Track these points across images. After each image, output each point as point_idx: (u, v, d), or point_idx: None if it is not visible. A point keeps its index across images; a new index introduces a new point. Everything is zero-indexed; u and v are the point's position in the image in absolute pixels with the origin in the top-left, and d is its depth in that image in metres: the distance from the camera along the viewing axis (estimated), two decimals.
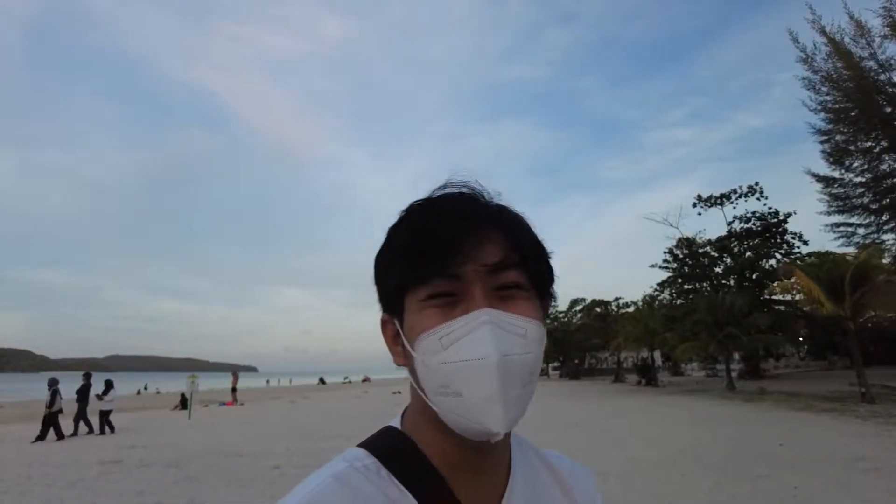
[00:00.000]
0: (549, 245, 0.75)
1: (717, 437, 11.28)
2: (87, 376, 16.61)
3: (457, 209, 0.69)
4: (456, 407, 0.62)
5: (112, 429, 15.72)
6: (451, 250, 0.65)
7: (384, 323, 0.74)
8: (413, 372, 0.68)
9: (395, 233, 0.71)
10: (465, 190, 0.72)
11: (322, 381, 79.54)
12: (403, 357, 0.70)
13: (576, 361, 59.82)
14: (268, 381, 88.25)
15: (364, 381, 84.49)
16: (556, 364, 67.35)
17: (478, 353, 0.61)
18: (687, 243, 39.22)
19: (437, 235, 0.66)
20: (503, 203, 0.74)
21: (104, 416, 15.80)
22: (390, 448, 0.71)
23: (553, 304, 0.80)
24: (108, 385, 16.56)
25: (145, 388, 59.70)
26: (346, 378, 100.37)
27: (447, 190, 0.72)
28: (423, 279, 0.66)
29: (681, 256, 40.11)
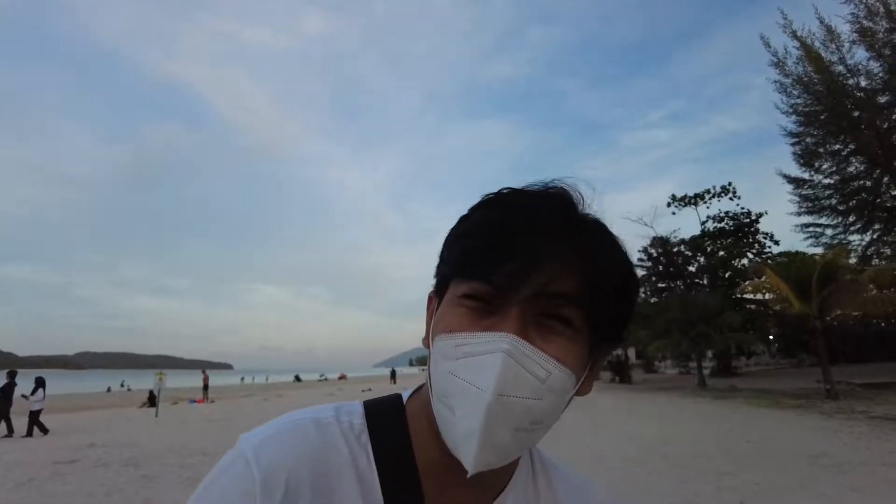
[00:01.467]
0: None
1: (685, 434, 11.36)
2: (12, 374, 15.74)
3: (534, 212, 0.60)
4: (447, 421, 0.59)
5: (44, 430, 14.87)
6: (504, 259, 0.57)
7: (430, 299, 0.70)
8: (429, 362, 0.64)
9: (467, 216, 0.65)
10: (558, 193, 0.63)
11: (297, 378, 79.09)
12: (429, 342, 0.65)
13: None
14: (242, 379, 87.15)
15: (340, 378, 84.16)
16: None
17: (478, 381, 0.55)
18: (661, 242, 39.72)
19: (496, 236, 0.59)
20: (602, 221, 0.64)
21: (34, 416, 14.97)
22: (385, 420, 0.68)
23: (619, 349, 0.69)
24: (38, 384, 15.57)
25: (121, 386, 58.51)
26: (322, 376, 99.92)
27: (537, 188, 0.65)
28: (465, 276, 0.60)
29: (655, 255, 40.61)
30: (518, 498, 0.70)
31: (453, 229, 0.66)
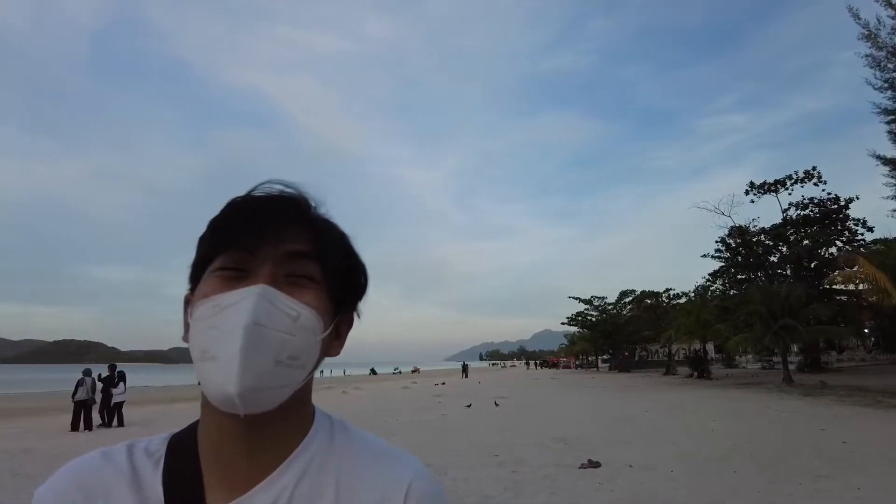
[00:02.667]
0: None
1: (772, 432, 10.86)
2: (112, 368, 16.40)
3: (270, 198, 0.70)
4: (210, 371, 0.60)
5: (121, 422, 15.43)
6: (250, 228, 0.66)
7: (186, 302, 0.72)
8: (190, 340, 0.66)
9: (213, 218, 0.71)
10: (288, 190, 0.72)
11: (373, 371, 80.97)
12: (187, 330, 0.68)
13: (626, 354, 58.86)
14: (322, 372, 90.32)
15: (414, 371, 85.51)
16: (605, 357, 66.46)
17: (234, 322, 0.60)
18: (740, 232, 37.83)
19: (241, 214, 0.68)
20: (329, 218, 0.75)
21: (116, 408, 15.60)
22: (183, 433, 0.72)
23: (357, 317, 0.78)
24: (120, 377, 15.97)
25: None
26: (396, 369, 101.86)
27: (273, 188, 0.72)
28: (218, 249, 0.67)
29: (733, 246, 38.73)
30: (307, 465, 0.68)
31: (202, 235, 0.71)
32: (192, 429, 0.71)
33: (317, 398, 0.73)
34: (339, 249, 0.73)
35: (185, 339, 0.68)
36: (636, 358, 60.15)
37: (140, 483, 0.66)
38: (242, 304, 0.61)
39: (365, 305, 0.78)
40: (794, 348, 36.40)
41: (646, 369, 54.27)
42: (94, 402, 15.17)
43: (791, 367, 27.93)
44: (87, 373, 15.67)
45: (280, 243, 0.67)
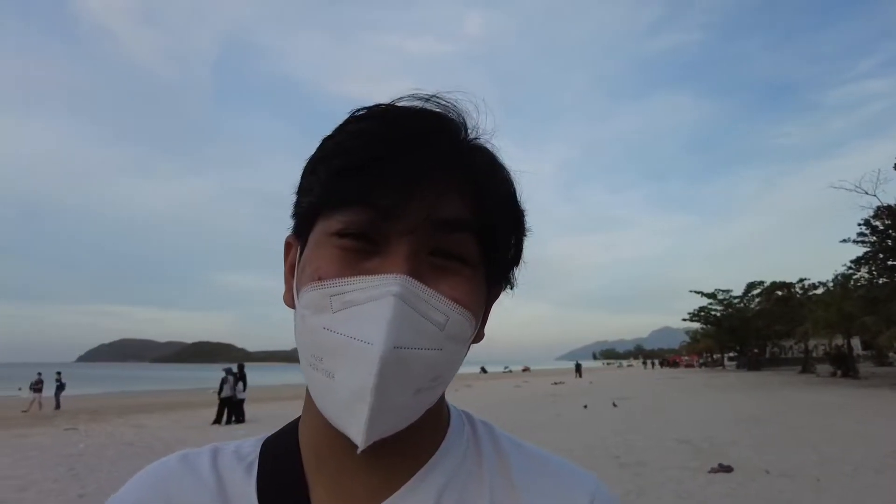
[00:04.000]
0: (533, 220, 0.56)
1: None
2: (241, 367, 17.52)
3: (414, 128, 0.49)
4: (325, 390, 0.48)
5: (242, 419, 16.23)
6: (385, 176, 0.47)
7: (288, 246, 0.58)
8: (295, 322, 0.52)
9: (332, 136, 0.53)
10: (439, 108, 0.52)
11: (483, 370, 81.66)
12: (291, 297, 0.54)
13: (755, 351, 54.87)
14: None
15: (524, 370, 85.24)
16: (732, 354, 62.31)
17: (364, 334, 0.45)
18: (889, 212, 33.70)
19: (374, 148, 0.48)
20: (488, 146, 0.55)
21: (239, 404, 16.46)
22: (279, 434, 0.61)
23: (508, 289, 0.59)
24: (240, 376, 16.90)
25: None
26: (506, 368, 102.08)
27: (415, 103, 0.52)
28: (338, 202, 0.49)
29: (881, 228, 34.56)
30: (450, 478, 0.55)
31: (316, 153, 0.54)
32: (291, 431, 0.60)
33: None
34: (508, 214, 0.54)
35: (286, 300, 0.56)
36: (767, 355, 56.05)
37: (227, 490, 0.55)
38: (375, 310, 0.45)
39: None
40: None
41: (778, 367, 50.50)
42: (236, 399, 16.48)
43: None
44: (229, 371, 17.05)
45: (429, 204, 0.48)
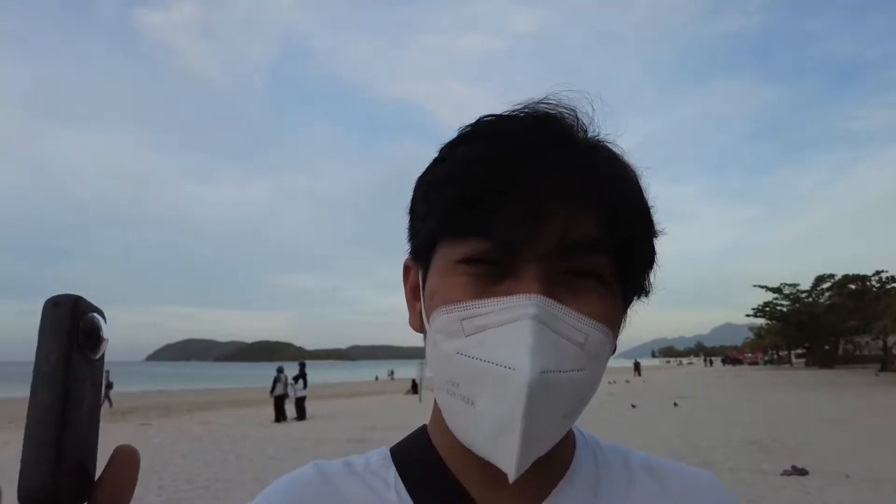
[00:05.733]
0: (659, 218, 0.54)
1: None
2: (302, 365, 17.96)
3: (532, 140, 0.47)
4: (463, 417, 0.47)
5: (304, 416, 16.47)
6: (505, 204, 0.45)
7: (407, 269, 0.58)
8: (427, 347, 0.52)
9: (444, 157, 0.52)
10: (560, 115, 0.50)
11: None
12: (419, 322, 0.54)
13: (826, 348, 52.13)
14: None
15: None
16: (800, 351, 59.48)
17: (506, 359, 0.43)
18: None
19: (491, 175, 0.46)
20: (611, 146, 0.52)
21: (299, 402, 16.82)
22: (408, 446, 0.59)
23: (644, 297, 0.56)
24: (301, 374, 17.22)
25: (388, 375, 66.29)
26: None
27: (534, 110, 0.50)
28: (460, 232, 0.47)
29: None
30: (576, 493, 0.54)
31: (427, 175, 0.53)
32: (421, 444, 0.59)
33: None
34: (642, 225, 0.51)
35: (413, 324, 0.56)
36: (840, 352, 53.02)
37: (376, 498, 0.55)
38: (512, 333, 0.44)
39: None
40: None
41: (852, 365, 47.87)
42: (289, 397, 16.96)
43: None
44: (281, 370, 17.60)
45: (559, 228, 0.46)
